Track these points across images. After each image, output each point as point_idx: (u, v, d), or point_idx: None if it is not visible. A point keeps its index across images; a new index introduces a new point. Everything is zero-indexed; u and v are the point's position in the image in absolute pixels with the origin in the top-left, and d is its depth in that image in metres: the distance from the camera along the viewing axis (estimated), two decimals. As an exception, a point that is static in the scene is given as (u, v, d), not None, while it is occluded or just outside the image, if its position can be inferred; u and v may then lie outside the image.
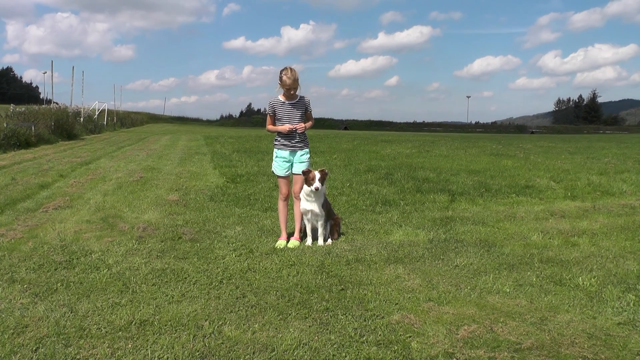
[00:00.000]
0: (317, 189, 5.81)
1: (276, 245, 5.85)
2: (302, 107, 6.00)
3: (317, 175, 5.85)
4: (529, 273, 4.90)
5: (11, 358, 3.19)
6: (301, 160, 6.05)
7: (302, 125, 5.96)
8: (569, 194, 9.49)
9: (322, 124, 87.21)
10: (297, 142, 6.03)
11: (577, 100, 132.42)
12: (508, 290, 4.44)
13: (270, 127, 6.08)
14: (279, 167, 6.09)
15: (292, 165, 6.08)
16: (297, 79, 5.79)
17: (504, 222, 7.18)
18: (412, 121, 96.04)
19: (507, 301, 4.18)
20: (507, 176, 11.94)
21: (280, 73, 5.79)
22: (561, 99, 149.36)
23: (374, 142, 27.03)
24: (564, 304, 4.13)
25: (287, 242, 5.97)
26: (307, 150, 6.14)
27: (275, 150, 6.13)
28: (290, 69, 5.76)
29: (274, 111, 5.99)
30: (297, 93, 5.94)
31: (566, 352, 3.30)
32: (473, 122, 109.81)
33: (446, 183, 10.72)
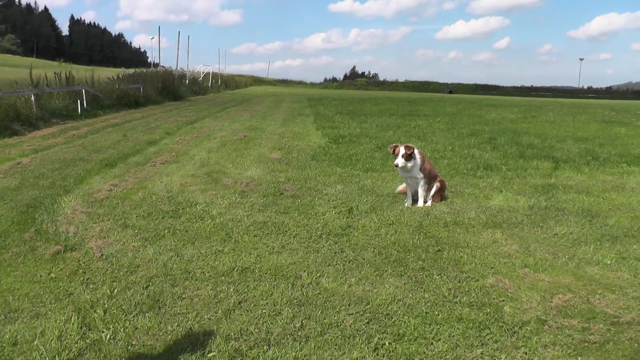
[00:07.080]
0: (396, 166, 5.77)
1: None
2: None
3: (402, 150, 5.75)
4: (634, 247, 4.69)
5: (126, 292, 3.61)
6: None
7: None
8: (690, 166, 8.78)
9: (427, 87, 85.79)
10: None
11: None
12: (609, 262, 4.29)
13: None
14: None
15: None
16: None
17: (611, 193, 6.83)
18: (519, 85, 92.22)
19: (607, 273, 4.06)
20: (619, 144, 11.23)
21: None
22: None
23: (478, 106, 26.21)
24: (672, 280, 3.91)
25: None
26: None
27: None
28: None
29: None
30: None
31: (670, 328, 3.16)
32: (585, 87, 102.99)
33: (551, 150, 10.29)
